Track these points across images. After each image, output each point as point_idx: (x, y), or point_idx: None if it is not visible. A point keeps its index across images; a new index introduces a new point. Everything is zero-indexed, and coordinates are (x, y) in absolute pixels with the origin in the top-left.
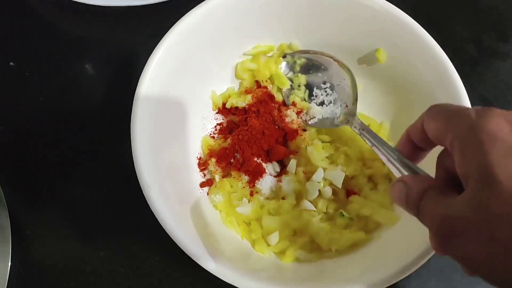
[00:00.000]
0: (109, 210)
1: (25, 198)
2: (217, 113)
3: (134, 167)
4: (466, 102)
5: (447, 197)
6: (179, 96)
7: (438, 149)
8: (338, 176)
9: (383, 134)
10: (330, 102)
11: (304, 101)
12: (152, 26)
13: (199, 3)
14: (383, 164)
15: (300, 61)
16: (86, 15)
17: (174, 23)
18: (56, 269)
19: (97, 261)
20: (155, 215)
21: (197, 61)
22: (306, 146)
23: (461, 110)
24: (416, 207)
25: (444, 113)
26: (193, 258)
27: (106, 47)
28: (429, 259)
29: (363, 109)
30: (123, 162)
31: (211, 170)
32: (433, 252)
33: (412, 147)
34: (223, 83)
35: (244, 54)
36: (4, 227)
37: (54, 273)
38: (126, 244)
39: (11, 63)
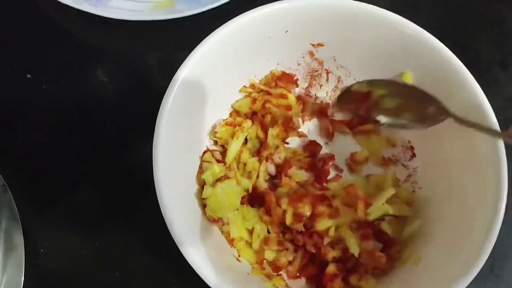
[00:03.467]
0: (127, 226)
1: (40, 213)
2: None
3: (149, 178)
4: (495, 128)
5: None
6: (204, 115)
7: None
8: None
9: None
10: None
11: None
12: (171, 40)
13: (219, 19)
14: None
15: None
16: (106, 27)
17: (194, 39)
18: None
19: (112, 282)
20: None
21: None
22: None
23: None
24: None
25: None
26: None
27: (124, 60)
28: None
29: (386, 132)
30: (139, 174)
31: None
32: None
33: None
34: None
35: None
36: (18, 244)
37: None
38: (144, 265)
39: (28, 76)
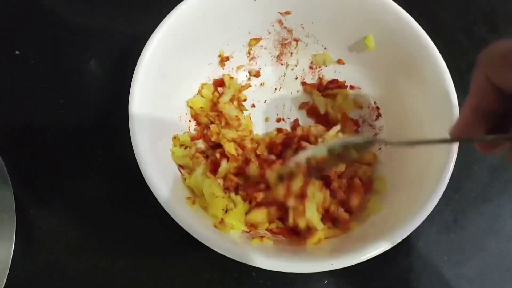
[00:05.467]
0: (111, 199)
1: (30, 182)
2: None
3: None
4: (450, 84)
5: None
6: (177, 85)
7: None
8: None
9: None
10: None
11: None
12: (155, 15)
13: None
14: None
15: None
16: (90, 4)
17: None
18: (58, 251)
19: (98, 251)
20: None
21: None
22: None
23: None
24: None
25: None
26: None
27: (109, 36)
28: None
29: (353, 94)
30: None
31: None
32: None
33: (484, 121)
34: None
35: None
36: (8, 204)
37: (57, 255)
38: (128, 242)
39: (17, 52)
